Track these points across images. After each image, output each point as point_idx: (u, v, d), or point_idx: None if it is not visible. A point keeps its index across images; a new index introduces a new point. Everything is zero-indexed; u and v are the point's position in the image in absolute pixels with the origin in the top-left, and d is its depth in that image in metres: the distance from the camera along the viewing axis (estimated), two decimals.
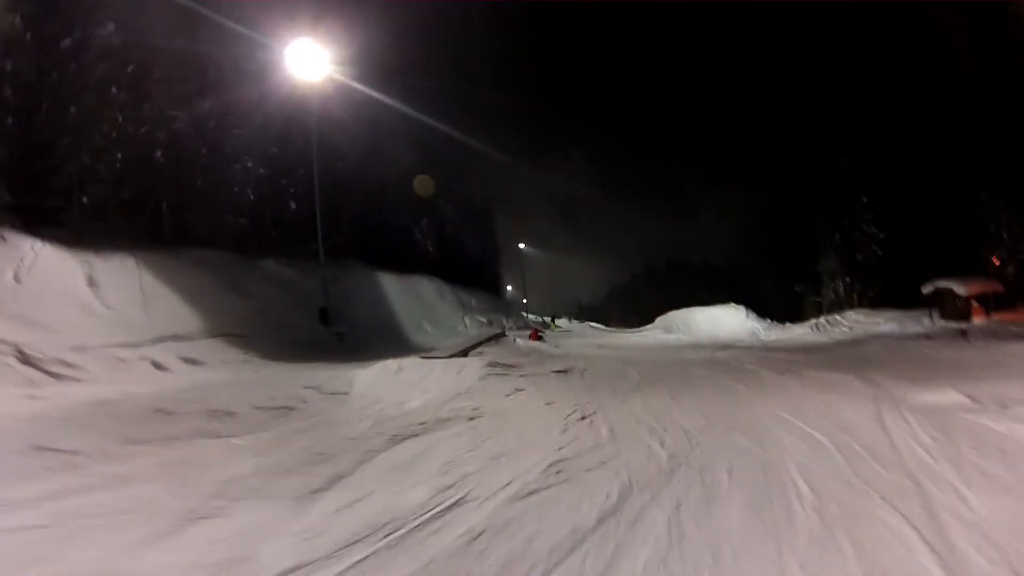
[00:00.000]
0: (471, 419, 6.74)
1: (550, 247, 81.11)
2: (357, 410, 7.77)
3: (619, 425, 6.16)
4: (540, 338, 29.28)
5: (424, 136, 39.59)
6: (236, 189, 23.75)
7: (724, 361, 13.49)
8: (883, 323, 26.07)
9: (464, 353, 11.71)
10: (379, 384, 9.59)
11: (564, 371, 10.54)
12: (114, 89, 18.18)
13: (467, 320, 31.00)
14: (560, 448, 5.27)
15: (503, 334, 16.59)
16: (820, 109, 37.54)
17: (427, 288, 31.58)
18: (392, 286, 28.69)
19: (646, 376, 10.42)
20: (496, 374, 9.64)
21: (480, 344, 13.40)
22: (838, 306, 35.52)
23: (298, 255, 24.49)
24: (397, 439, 5.89)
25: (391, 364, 10.38)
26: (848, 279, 34.60)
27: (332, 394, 9.08)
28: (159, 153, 19.76)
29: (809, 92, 39.45)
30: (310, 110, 21.71)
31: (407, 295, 29.06)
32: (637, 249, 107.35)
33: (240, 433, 6.25)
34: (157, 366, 11.27)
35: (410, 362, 10.55)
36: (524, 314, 49.66)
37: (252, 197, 24.18)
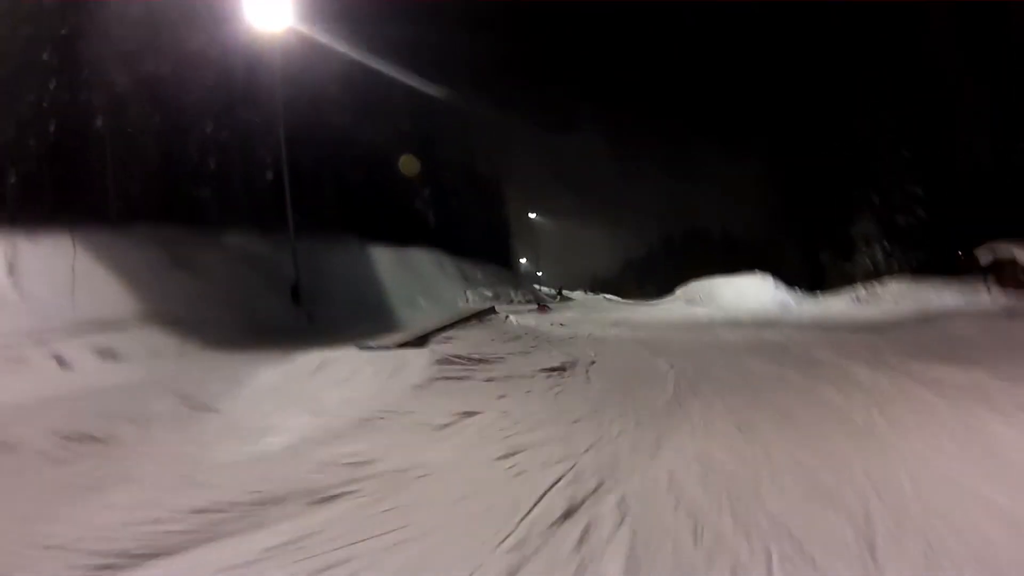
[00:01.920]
0: (321, 501, 3.16)
1: (563, 218, 77.16)
2: (178, 450, 4.35)
3: (653, 537, 2.57)
4: (547, 309, 26.22)
5: (426, 103, 36.17)
6: (195, 157, 20.53)
7: (781, 345, 9.85)
8: (936, 295, 22.20)
9: (422, 340, 8.23)
10: (281, 390, 6.20)
11: (559, 369, 6.98)
12: (44, 53, 15.70)
13: (469, 294, 27.47)
14: None
15: (492, 311, 13.05)
16: (853, 55, 32.96)
17: (425, 261, 28.09)
18: (384, 260, 25.32)
19: (683, 375, 6.81)
20: (448, 376, 6.14)
21: (455, 325, 9.88)
22: (875, 275, 31.52)
23: (275, 229, 21.34)
24: None
25: (312, 359, 7.04)
26: (887, 245, 30.57)
27: (196, 410, 5.66)
28: (100, 121, 16.77)
29: (840, 35, 34.69)
30: (275, 65, 18.41)
31: (401, 269, 25.67)
32: (653, 220, 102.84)
33: None
34: (61, 363, 9.14)
35: (340, 356, 7.14)
36: (536, 287, 46.16)
37: (213, 166, 20.90)
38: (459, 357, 6.86)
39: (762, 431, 4.24)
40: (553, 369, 6.83)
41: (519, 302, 30.27)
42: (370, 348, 7.71)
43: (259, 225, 21.23)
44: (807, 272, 46.86)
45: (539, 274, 55.52)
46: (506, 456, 3.73)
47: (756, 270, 35.11)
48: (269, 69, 18.90)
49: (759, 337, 11.36)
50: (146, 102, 18.42)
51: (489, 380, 6.10)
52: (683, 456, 3.71)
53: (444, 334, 9.17)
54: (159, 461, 4.10)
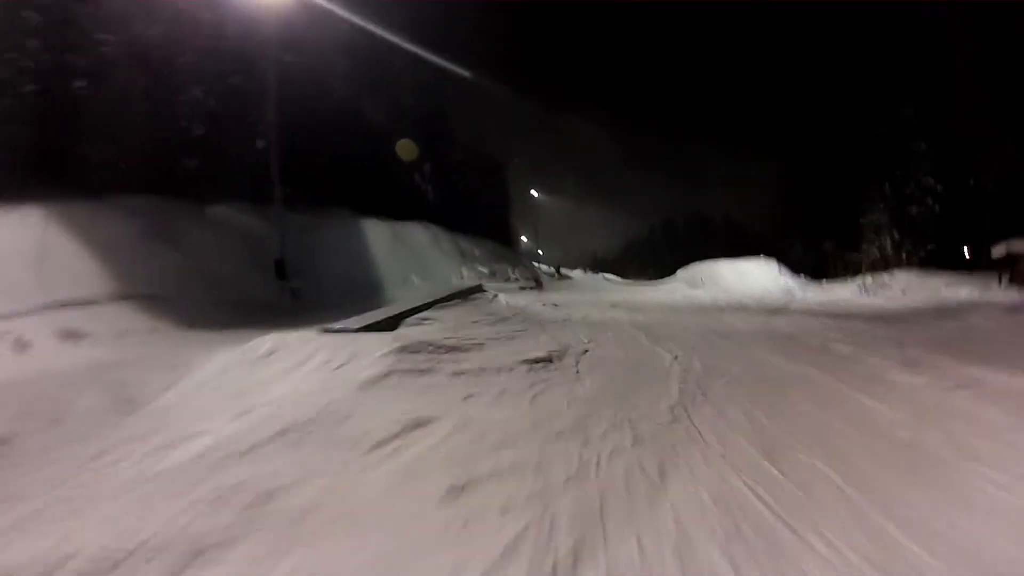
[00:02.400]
0: (189, 560, 2.16)
1: (565, 197, 75.84)
2: (68, 467, 3.40)
3: None
4: (543, 287, 25.49)
5: (431, 76, 34.94)
6: (184, 125, 19.44)
7: (793, 336, 8.82)
8: (946, 287, 21.13)
9: (394, 322, 7.19)
10: (220, 381, 5.21)
11: (544, 361, 5.91)
12: (26, 11, 14.88)
13: (464, 271, 26.38)
14: None
15: (480, 289, 11.95)
16: (866, 44, 31.54)
17: (421, 236, 26.95)
18: (378, 234, 24.24)
19: (689, 371, 5.78)
20: (408, 369, 5.04)
21: (435, 304, 8.82)
22: (881, 265, 30.42)
23: (267, 202, 20.31)
24: None
25: (263, 344, 5.98)
26: (896, 235, 29.41)
27: (122, 407, 4.73)
28: (82, 84, 15.86)
29: (853, 23, 33.16)
30: (270, 30, 17.33)
31: (395, 244, 24.58)
32: (655, 204, 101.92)
33: None
34: (17, 345, 8.14)
35: (295, 340, 6.08)
36: (536, 265, 45.14)
37: (200, 132, 19.80)
38: (428, 344, 5.79)
39: (798, 462, 3.19)
40: (537, 361, 5.74)
41: (516, 280, 29.28)
42: (331, 331, 6.65)
43: (250, 198, 20.27)
44: (809, 260, 45.88)
45: (540, 252, 54.48)
46: (453, 493, 2.68)
47: (765, 254, 33.99)
48: (265, 34, 17.75)
49: (769, 324, 10.31)
50: (133, 65, 17.39)
51: (457, 374, 5.02)
52: (696, 501, 2.67)
53: (421, 315, 8.11)
54: (37, 480, 3.11)
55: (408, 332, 6.81)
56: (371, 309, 9.76)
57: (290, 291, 17.06)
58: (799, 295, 25.02)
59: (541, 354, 6.05)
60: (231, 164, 20.89)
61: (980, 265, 26.53)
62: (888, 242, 29.58)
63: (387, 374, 4.79)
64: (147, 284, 12.10)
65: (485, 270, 28.07)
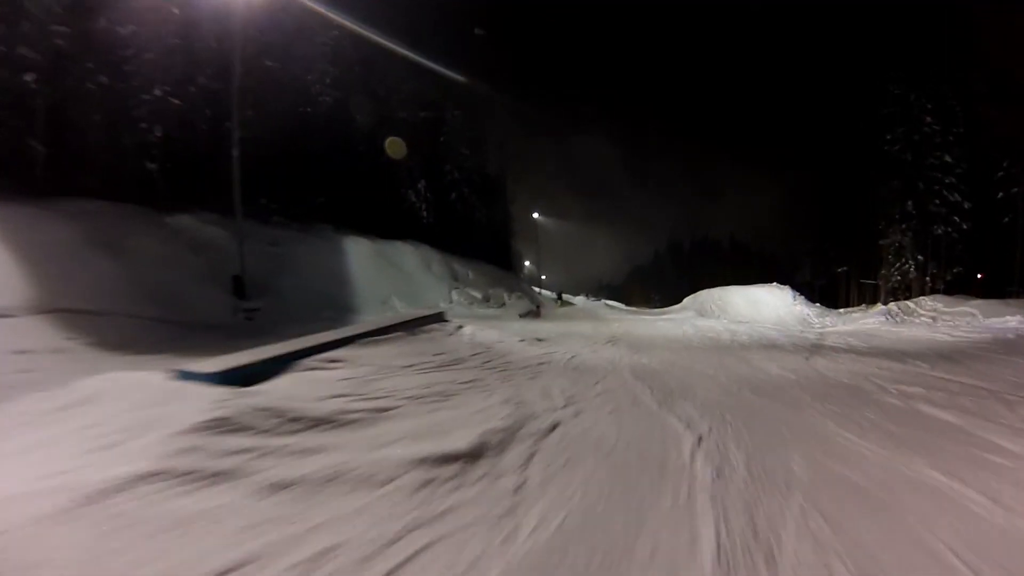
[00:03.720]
0: None
1: (569, 219, 73.48)
2: None
3: None
4: (539, 315, 23.60)
5: (428, 91, 32.95)
6: (146, 126, 17.41)
7: (854, 389, 6.18)
8: (984, 316, 18.45)
9: (288, 360, 4.66)
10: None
11: (469, 458, 3.15)
12: None
13: (455, 295, 23.91)
14: None
15: (439, 317, 9.37)
16: (889, 44, 29.08)
17: (410, 256, 24.59)
18: (361, 253, 21.94)
19: (726, 469, 3.23)
20: (187, 474, 2.35)
21: (360, 338, 6.26)
22: (903, 291, 27.70)
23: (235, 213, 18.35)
24: None
25: (88, 387, 3.64)
26: (920, 258, 26.69)
27: None
28: (32, 78, 14.07)
29: (877, 27, 30.65)
30: (239, 27, 15.52)
31: (380, 264, 22.26)
32: (660, 227, 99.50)
33: None
34: None
35: (128, 386, 3.69)
36: (537, 289, 42.65)
37: (161, 135, 17.74)
38: (281, 413, 3.26)
39: None
40: (452, 459, 3.13)
41: (506, 305, 26.81)
42: (188, 375, 4.14)
43: (220, 209, 18.10)
44: (819, 285, 43.07)
45: (543, 278, 52.03)
46: None
47: (771, 281, 31.29)
48: (236, 31, 15.75)
49: (812, 369, 7.69)
50: (91, 60, 15.50)
51: (271, 490, 2.45)
52: None
53: (332, 353, 5.58)
54: None
55: (278, 385, 4.29)
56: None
57: (244, 312, 14.82)
58: (817, 324, 22.37)
59: (471, 439, 3.45)
60: (198, 171, 18.75)
61: (1014, 291, 23.87)
62: (911, 266, 26.86)
63: (143, 478, 2.29)
64: (77, 297, 10.37)
65: (478, 295, 25.64)
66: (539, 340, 9.83)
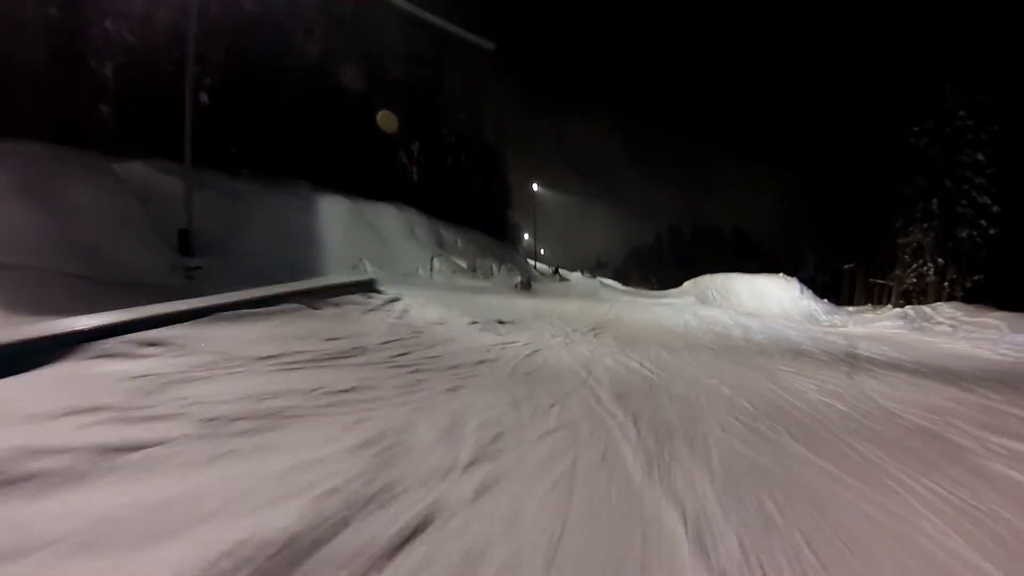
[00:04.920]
0: None
1: (569, 195, 70.80)
2: None
3: None
4: (530, 288, 22.16)
5: (428, 51, 30.28)
6: (92, 63, 15.07)
7: (948, 445, 3.90)
8: (1011, 330, 16.16)
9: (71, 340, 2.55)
10: None
11: None
12: None
13: (437, 263, 21.58)
14: None
15: (368, 287, 7.05)
16: (914, 29, 26.22)
17: (392, 219, 22.22)
18: (336, 212, 19.64)
19: None
20: None
21: (243, 306, 4.05)
22: (918, 294, 25.37)
23: (200, 163, 16.20)
24: None
25: None
26: (941, 261, 24.28)
27: None
28: None
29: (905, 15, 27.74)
30: None
31: (356, 225, 19.94)
32: (662, 210, 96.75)
33: None
34: None
35: None
36: (533, 263, 40.37)
37: (112, 73, 15.41)
38: None
39: None
40: None
41: (500, 278, 24.57)
42: None
43: (180, 158, 16.03)
44: (822, 280, 40.58)
45: (542, 251, 49.67)
46: None
47: (775, 271, 28.87)
48: None
49: (863, 395, 5.42)
50: None
51: None
52: None
53: (173, 330, 3.35)
54: None
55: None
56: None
57: (184, 270, 12.67)
58: (825, 321, 20.11)
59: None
60: (160, 116, 16.45)
61: None
62: (929, 268, 24.47)
63: None
64: None
65: (463, 264, 23.32)
66: (501, 323, 7.49)
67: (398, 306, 6.57)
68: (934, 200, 24.30)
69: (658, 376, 5.54)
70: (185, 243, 13.60)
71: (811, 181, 43.87)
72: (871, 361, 8.24)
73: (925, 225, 24.98)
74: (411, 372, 4.12)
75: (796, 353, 8.55)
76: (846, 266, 36.47)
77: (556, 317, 10.03)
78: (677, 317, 13.96)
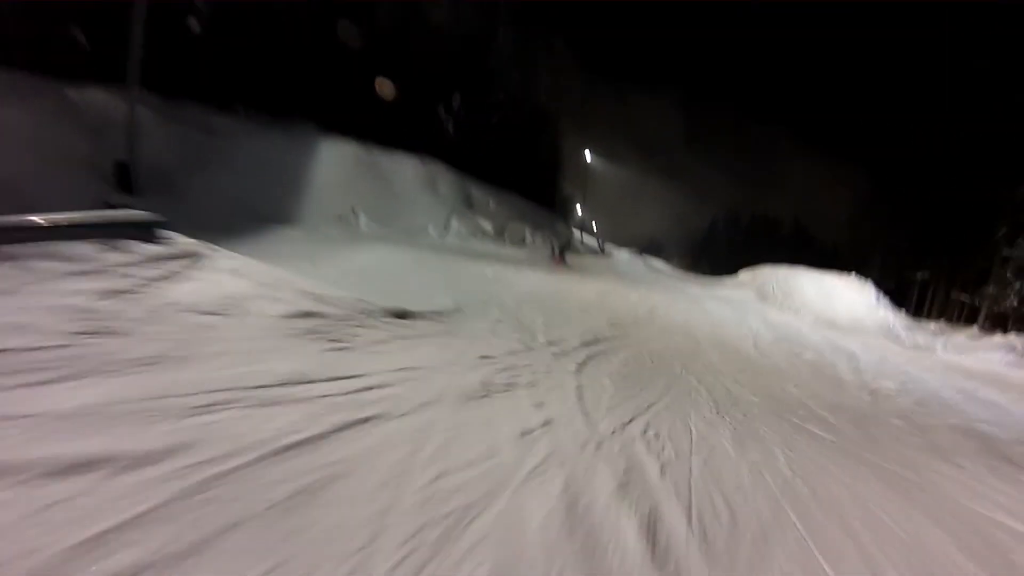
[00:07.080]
0: None
1: (625, 169, 65.92)
2: None
3: None
4: (562, 263, 19.32)
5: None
6: None
7: None
8: None
9: None
10: None
11: None
12: None
13: (455, 222, 18.13)
14: None
15: (143, 228, 3.88)
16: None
17: (409, 171, 18.84)
18: (337, 158, 16.55)
19: None
20: None
21: None
22: (1018, 320, 20.55)
23: (183, 95, 14.33)
24: None
25: None
26: None
27: None
28: None
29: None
30: None
31: (359, 173, 16.77)
32: (719, 195, 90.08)
33: None
34: None
35: None
36: (578, 233, 36.69)
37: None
38: None
39: None
40: None
41: (532, 246, 21.06)
42: None
43: (163, 89, 13.55)
44: (888, 288, 35.17)
45: (594, 225, 45.73)
46: None
47: (836, 270, 24.04)
48: None
49: None
50: None
51: None
52: None
53: None
54: None
55: None
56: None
57: (105, 206, 9.69)
58: (907, 341, 15.71)
59: None
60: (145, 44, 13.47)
61: None
62: None
63: None
64: None
65: (489, 226, 19.77)
66: (402, 317, 3.92)
67: (173, 269, 3.16)
68: None
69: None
70: (124, 178, 10.66)
71: (885, 179, 38.34)
72: None
73: None
74: None
75: (986, 447, 4.53)
76: (919, 274, 31.18)
77: (558, 302, 6.42)
78: (739, 322, 10.15)
